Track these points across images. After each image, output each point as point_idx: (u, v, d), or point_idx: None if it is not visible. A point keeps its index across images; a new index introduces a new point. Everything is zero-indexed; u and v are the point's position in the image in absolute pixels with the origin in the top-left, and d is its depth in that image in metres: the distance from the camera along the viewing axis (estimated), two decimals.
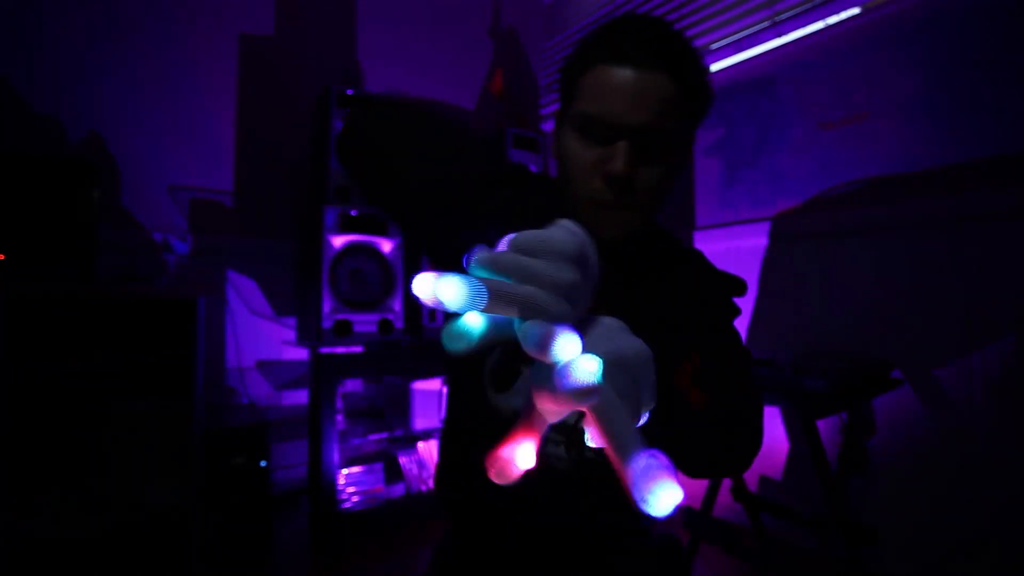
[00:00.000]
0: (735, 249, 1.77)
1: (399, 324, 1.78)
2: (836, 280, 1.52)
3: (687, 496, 1.88)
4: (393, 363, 1.81)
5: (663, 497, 0.22)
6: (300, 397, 2.00)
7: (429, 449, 1.93)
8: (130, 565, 1.30)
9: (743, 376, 0.52)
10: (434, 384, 2.18)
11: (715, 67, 1.85)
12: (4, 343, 1.25)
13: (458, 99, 2.51)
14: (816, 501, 1.51)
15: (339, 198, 1.72)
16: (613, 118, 0.49)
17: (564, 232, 0.30)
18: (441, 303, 0.23)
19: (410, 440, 1.97)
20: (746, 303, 1.71)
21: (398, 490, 1.80)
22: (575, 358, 0.23)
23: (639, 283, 0.55)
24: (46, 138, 1.58)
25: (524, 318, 0.26)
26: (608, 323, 0.31)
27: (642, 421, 0.29)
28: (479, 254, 0.27)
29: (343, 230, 1.69)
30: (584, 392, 0.23)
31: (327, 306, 1.65)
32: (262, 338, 1.94)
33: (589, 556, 0.60)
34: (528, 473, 0.27)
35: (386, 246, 1.78)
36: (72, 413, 1.29)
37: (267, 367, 1.95)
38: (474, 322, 0.26)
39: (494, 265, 0.27)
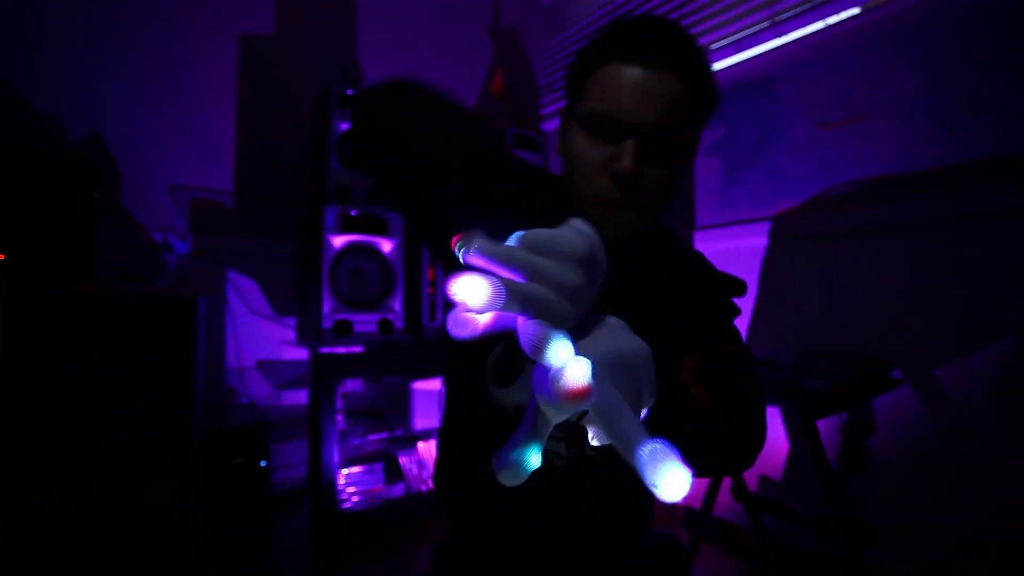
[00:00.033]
0: (735, 249, 1.77)
1: (399, 324, 1.78)
2: (836, 280, 1.52)
3: (687, 496, 1.88)
4: (393, 363, 1.81)
5: (672, 478, 0.22)
6: (300, 397, 2.00)
7: (429, 449, 1.93)
8: (130, 565, 1.30)
9: (745, 373, 0.52)
10: (434, 384, 2.18)
11: (715, 67, 1.84)
12: (4, 343, 1.25)
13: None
14: (816, 501, 1.51)
15: (339, 198, 1.72)
16: (622, 116, 0.49)
17: (575, 233, 0.30)
18: (464, 302, 0.23)
19: (410, 440, 1.97)
20: (746, 303, 1.72)
21: (398, 490, 1.80)
22: (565, 363, 0.23)
23: (641, 283, 0.55)
24: (46, 138, 1.58)
25: (528, 316, 0.26)
26: (609, 322, 0.31)
27: (641, 418, 0.29)
28: (487, 244, 0.26)
29: (343, 230, 1.69)
30: (573, 397, 0.23)
31: (327, 306, 1.65)
32: (262, 338, 1.94)
33: (589, 556, 0.60)
34: (532, 475, 0.27)
35: (386, 246, 1.78)
36: (72, 413, 1.29)
37: (267, 367, 1.95)
38: (481, 314, 0.26)
39: (504, 259, 0.26)
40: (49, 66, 1.60)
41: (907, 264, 1.38)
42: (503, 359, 0.35)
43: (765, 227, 1.68)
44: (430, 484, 1.85)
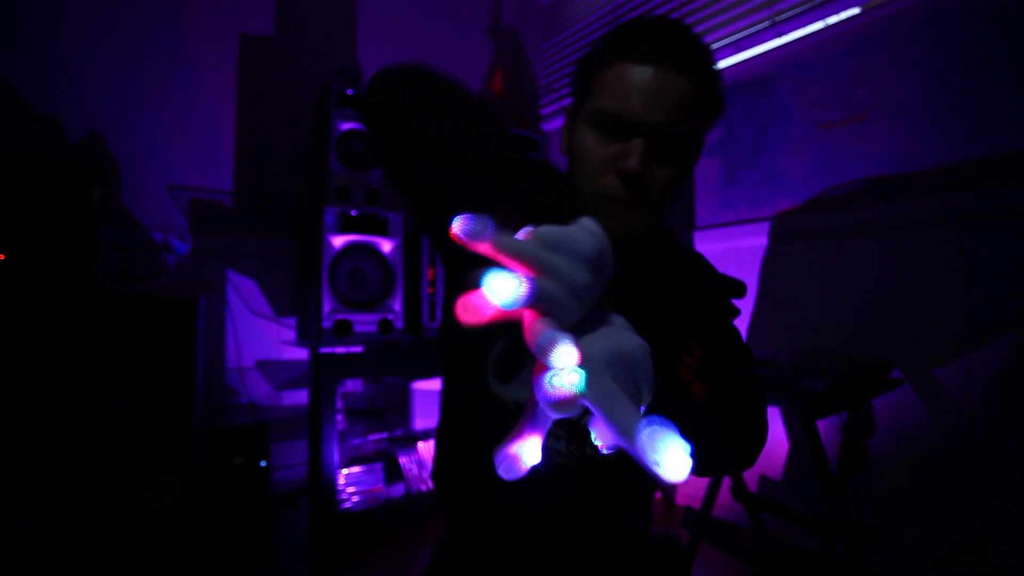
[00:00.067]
0: (735, 249, 1.77)
1: (399, 324, 1.78)
2: (836, 280, 1.52)
3: (687, 496, 1.88)
4: (393, 363, 1.81)
5: (671, 454, 0.22)
6: (300, 397, 2.00)
7: (429, 449, 1.93)
8: (130, 565, 1.30)
9: (745, 371, 0.52)
10: (434, 384, 2.18)
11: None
12: (4, 342, 1.25)
13: None
14: (816, 501, 1.51)
15: (339, 198, 1.72)
16: (631, 115, 0.50)
17: (585, 232, 0.30)
18: (494, 299, 0.23)
19: (410, 440, 1.97)
20: (746, 303, 1.72)
21: (398, 490, 1.80)
22: (557, 370, 0.24)
23: (643, 282, 0.55)
24: (46, 138, 1.58)
25: (537, 314, 0.26)
26: (611, 320, 0.31)
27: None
28: (501, 236, 0.26)
29: (343, 230, 1.69)
30: (559, 403, 0.23)
31: (327, 306, 1.65)
32: (262, 338, 1.94)
33: (588, 555, 0.60)
34: (532, 471, 0.27)
35: (386, 246, 1.78)
36: (72, 412, 1.29)
37: (267, 367, 1.95)
38: (489, 298, 0.27)
39: (518, 253, 0.26)
40: (49, 66, 1.60)
41: (907, 264, 1.38)
42: (504, 355, 0.35)
43: (765, 227, 1.68)
44: (430, 484, 1.85)
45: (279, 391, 1.97)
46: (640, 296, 0.52)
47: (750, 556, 1.42)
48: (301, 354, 2.01)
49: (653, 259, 0.58)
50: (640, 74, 0.49)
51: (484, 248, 0.26)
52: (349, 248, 1.70)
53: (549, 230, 0.29)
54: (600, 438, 0.27)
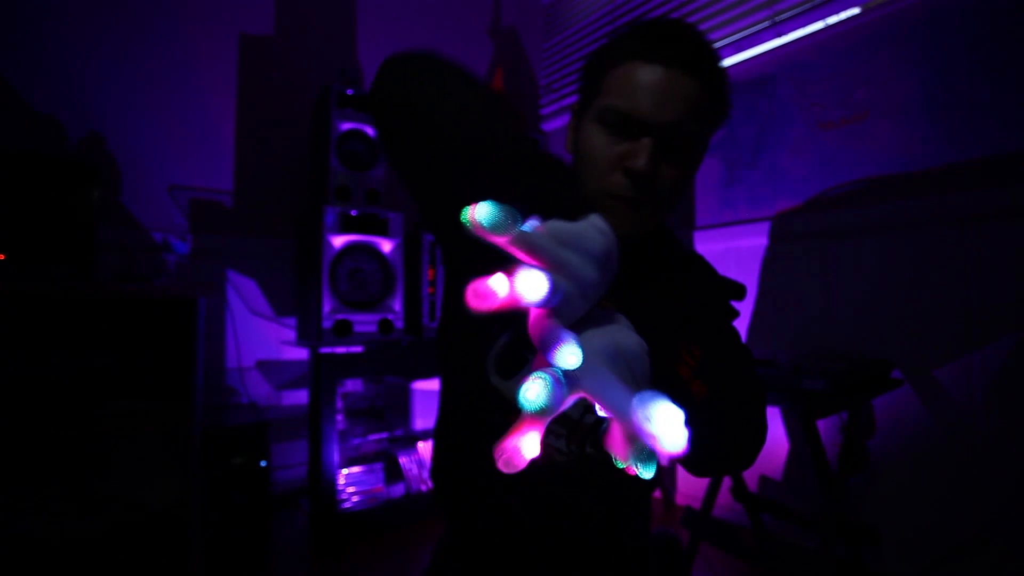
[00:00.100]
0: (735, 249, 1.77)
1: (399, 324, 1.78)
2: (836, 280, 1.52)
3: (687, 496, 1.88)
4: (393, 363, 1.81)
5: (665, 418, 0.22)
6: (300, 397, 2.00)
7: (429, 449, 1.93)
8: (130, 565, 1.30)
9: (745, 371, 0.52)
10: (434, 384, 2.18)
11: None
12: (4, 342, 1.25)
13: None
14: (816, 501, 1.51)
15: (339, 198, 1.72)
16: (640, 114, 0.50)
17: (595, 230, 0.30)
18: (521, 295, 0.23)
19: (410, 440, 1.97)
20: (746, 303, 1.72)
21: (398, 490, 1.80)
22: (530, 378, 0.24)
23: (645, 282, 0.55)
24: (46, 138, 1.58)
25: (546, 310, 0.26)
26: (611, 317, 0.31)
27: None
28: (520, 230, 0.26)
29: (343, 230, 1.69)
30: (528, 402, 0.24)
31: (327, 306, 1.65)
32: (262, 338, 1.94)
33: (588, 555, 0.60)
34: (530, 468, 0.27)
35: (386, 246, 1.78)
36: (72, 412, 1.29)
37: (267, 367, 1.95)
38: (500, 285, 0.26)
39: (531, 247, 0.26)
40: (49, 66, 1.60)
41: (907, 264, 1.38)
42: (507, 350, 0.35)
43: (765, 227, 1.68)
44: (430, 484, 1.85)
45: (279, 391, 1.97)
46: (640, 295, 0.52)
47: (750, 556, 1.42)
48: (301, 354, 2.01)
49: (654, 259, 0.58)
50: (651, 74, 0.50)
51: (501, 240, 0.25)
52: (349, 248, 1.70)
53: (561, 225, 0.29)
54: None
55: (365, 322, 1.71)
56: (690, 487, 1.88)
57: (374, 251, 1.75)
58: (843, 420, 1.38)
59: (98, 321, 1.43)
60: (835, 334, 1.51)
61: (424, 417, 2.25)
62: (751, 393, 0.51)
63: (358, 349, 1.72)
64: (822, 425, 1.45)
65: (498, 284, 0.26)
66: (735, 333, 0.58)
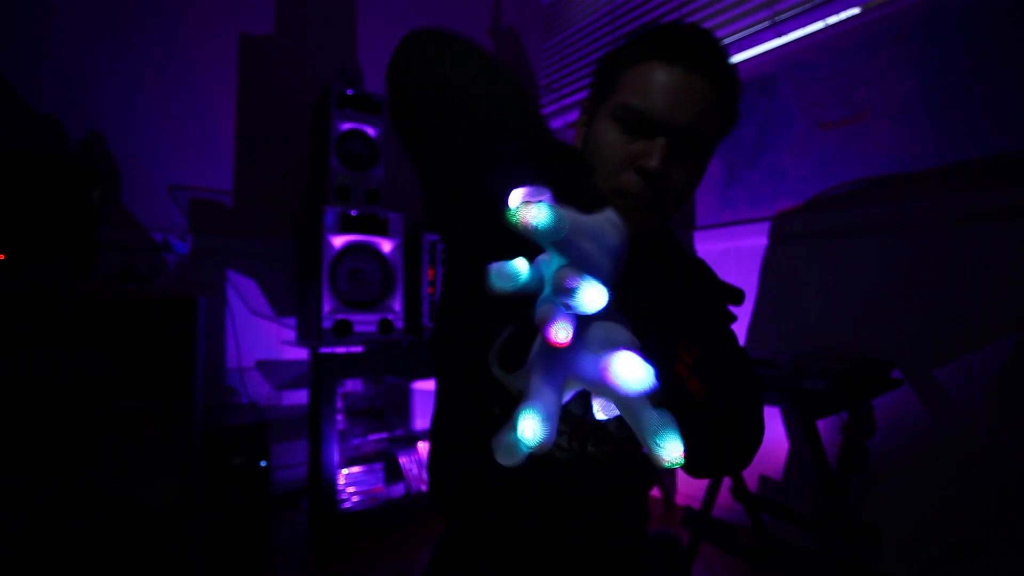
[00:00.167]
0: (735, 249, 1.77)
1: (399, 324, 1.78)
2: (836, 280, 1.52)
3: (687, 496, 1.88)
4: (393, 363, 1.81)
5: (621, 360, 0.24)
6: (300, 397, 2.00)
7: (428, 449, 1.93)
8: (130, 565, 1.30)
9: (742, 370, 0.52)
10: (434, 384, 2.18)
11: None
12: (4, 342, 1.25)
13: None
14: (816, 501, 1.51)
15: (339, 198, 1.72)
16: (657, 114, 0.50)
17: (610, 224, 0.30)
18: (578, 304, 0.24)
19: (410, 440, 1.97)
20: (746, 303, 1.72)
21: (398, 490, 1.80)
22: (522, 417, 0.25)
23: (646, 281, 0.55)
24: (46, 138, 1.58)
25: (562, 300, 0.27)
26: (608, 314, 0.31)
27: None
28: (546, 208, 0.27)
29: (343, 230, 1.69)
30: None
31: (327, 306, 1.65)
32: (262, 338, 1.94)
33: (587, 555, 0.60)
34: (531, 464, 0.27)
35: (386, 246, 1.78)
36: (72, 412, 1.29)
37: (267, 367, 1.95)
38: (522, 267, 0.27)
39: (564, 243, 0.27)
40: (49, 66, 1.60)
41: (907, 264, 1.38)
42: (510, 343, 0.35)
43: (765, 227, 1.68)
44: None
45: (279, 391, 1.97)
46: (641, 294, 0.52)
47: (750, 556, 1.42)
48: (301, 354, 2.01)
49: (656, 259, 0.58)
50: (669, 75, 0.50)
51: (543, 239, 0.26)
52: (349, 248, 1.70)
53: (581, 219, 0.29)
54: (602, 410, 0.28)
55: (365, 322, 1.71)
56: (690, 487, 1.88)
57: (374, 251, 1.75)
58: (843, 420, 1.38)
59: (98, 321, 1.43)
60: (835, 334, 1.51)
61: (424, 417, 2.25)
62: (748, 392, 0.51)
63: (358, 349, 1.72)
64: (822, 425, 1.45)
65: (519, 267, 0.27)
66: (733, 336, 0.58)
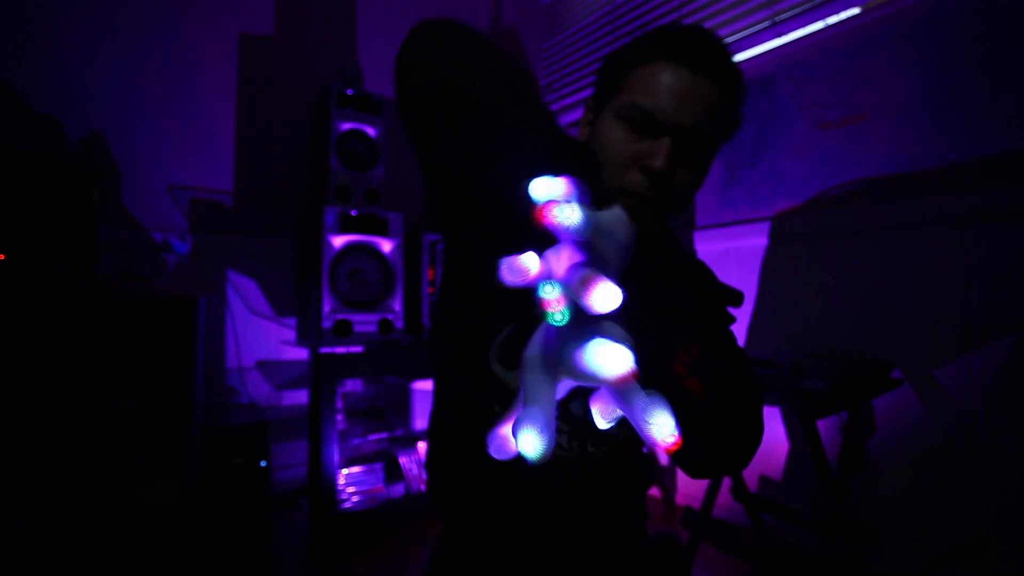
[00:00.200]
0: (735, 249, 1.77)
1: (399, 324, 1.78)
2: (836, 280, 1.52)
3: (687, 496, 1.88)
4: (393, 363, 1.81)
5: (600, 350, 0.24)
6: (300, 397, 2.00)
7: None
8: (130, 565, 1.30)
9: (741, 370, 0.52)
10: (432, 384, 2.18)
11: None
12: (4, 342, 1.25)
13: None
14: (816, 501, 1.51)
15: (339, 198, 1.72)
16: (663, 114, 0.50)
17: (620, 221, 0.31)
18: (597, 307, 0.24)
19: (410, 440, 1.97)
20: (746, 303, 1.71)
21: (398, 490, 1.80)
22: (520, 429, 0.25)
23: (646, 280, 0.55)
24: (46, 138, 1.58)
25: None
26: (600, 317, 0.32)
27: None
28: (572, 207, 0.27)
29: (343, 230, 1.69)
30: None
31: (327, 306, 1.65)
32: (262, 338, 1.94)
33: (587, 555, 0.60)
34: (530, 466, 0.27)
35: (386, 246, 1.78)
36: (72, 412, 1.29)
37: (267, 367, 1.95)
38: (532, 262, 0.28)
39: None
40: (49, 66, 1.60)
41: (907, 264, 1.38)
42: (511, 341, 0.35)
43: (765, 227, 1.68)
44: None
45: (279, 391, 1.97)
46: (641, 293, 0.52)
47: (750, 556, 1.42)
48: (301, 354, 2.01)
49: (656, 258, 0.58)
50: (677, 75, 0.50)
51: (564, 236, 0.26)
52: (349, 248, 1.70)
53: (597, 214, 0.29)
54: (602, 413, 0.28)
55: (365, 322, 1.71)
56: (690, 487, 1.88)
57: (374, 251, 1.75)
58: (843, 420, 1.38)
59: (98, 321, 1.43)
60: (835, 334, 1.51)
61: (424, 417, 2.25)
62: (748, 392, 0.51)
63: (358, 349, 1.72)
64: (822, 425, 1.45)
65: (530, 262, 0.27)
66: (732, 336, 0.58)
